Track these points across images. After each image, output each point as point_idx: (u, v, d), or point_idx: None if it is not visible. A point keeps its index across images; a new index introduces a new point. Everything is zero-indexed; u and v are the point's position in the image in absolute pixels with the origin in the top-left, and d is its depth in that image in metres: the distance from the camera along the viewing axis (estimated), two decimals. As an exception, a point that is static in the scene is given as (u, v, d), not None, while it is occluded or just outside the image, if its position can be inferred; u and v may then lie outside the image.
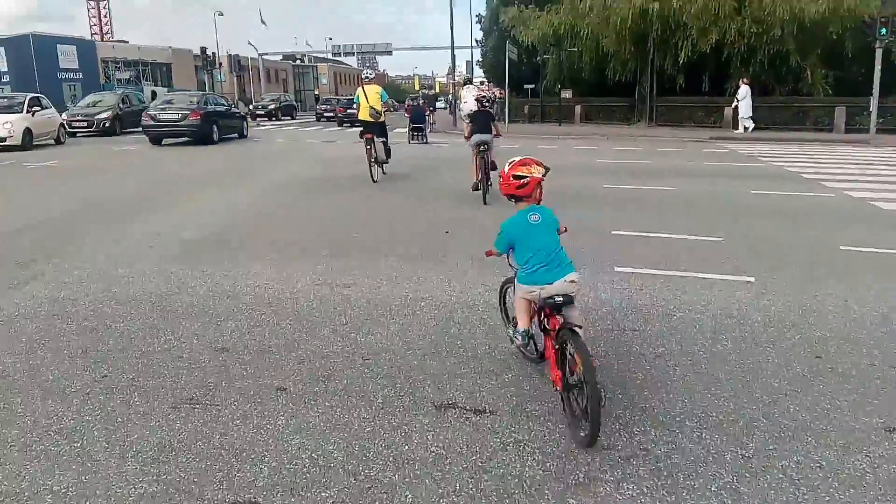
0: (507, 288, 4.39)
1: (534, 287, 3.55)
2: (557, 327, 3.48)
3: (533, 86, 39.39)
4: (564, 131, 27.37)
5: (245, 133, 26.02)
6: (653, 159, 17.21)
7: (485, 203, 10.26)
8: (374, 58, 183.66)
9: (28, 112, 20.10)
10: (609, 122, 30.33)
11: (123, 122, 26.49)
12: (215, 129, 22.74)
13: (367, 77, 13.60)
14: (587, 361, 3.10)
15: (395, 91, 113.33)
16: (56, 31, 54.36)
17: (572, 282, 3.51)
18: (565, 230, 3.90)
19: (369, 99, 12.56)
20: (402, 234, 8.23)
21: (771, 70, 27.17)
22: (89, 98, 28.46)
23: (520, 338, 3.80)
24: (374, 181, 12.64)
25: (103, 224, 8.87)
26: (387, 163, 13.30)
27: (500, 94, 60.51)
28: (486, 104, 10.93)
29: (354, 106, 13.90)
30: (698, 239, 7.92)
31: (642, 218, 9.31)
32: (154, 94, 57.76)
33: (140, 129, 22.81)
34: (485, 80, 51.33)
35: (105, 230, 8.46)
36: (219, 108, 24.29)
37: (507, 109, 30.32)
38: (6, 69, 48.53)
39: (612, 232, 8.37)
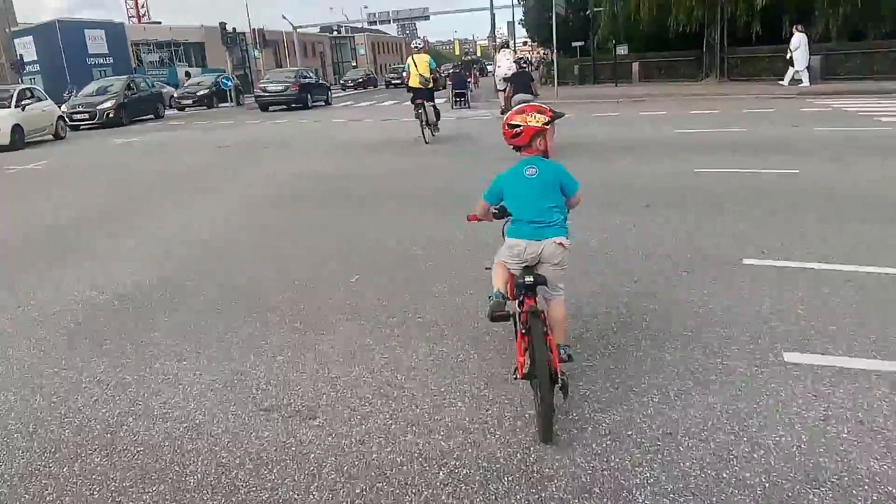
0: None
1: (518, 241, 3.21)
2: (526, 309, 3.11)
3: (582, 43, 35.79)
4: (623, 93, 23.95)
5: (329, 101, 30.82)
6: (743, 125, 13.85)
7: None
8: (414, 24, 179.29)
9: (17, 106, 17.88)
10: (672, 80, 26.64)
11: (129, 111, 24.32)
12: (308, 97, 28.36)
13: (416, 47, 14.51)
14: (541, 353, 2.90)
15: (434, 58, 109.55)
16: (101, 17, 52.79)
17: (559, 243, 3.16)
18: (578, 202, 3.37)
19: (419, 67, 13.48)
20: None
21: (866, 9, 23.06)
22: (91, 86, 26.19)
23: (492, 297, 3.20)
24: (426, 142, 13.73)
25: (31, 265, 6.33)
26: (436, 124, 14.12)
27: (544, 54, 57.05)
28: (524, 65, 11.18)
29: (404, 74, 14.64)
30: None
31: (782, 228, 6.21)
32: (188, 75, 56.15)
33: (151, 116, 24.93)
34: (527, 40, 48.14)
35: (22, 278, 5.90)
36: (310, 81, 29.73)
37: (555, 71, 27.02)
38: (36, 58, 47.20)
39: (744, 261, 5.42)
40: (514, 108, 3.32)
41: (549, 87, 30.67)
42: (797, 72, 22.13)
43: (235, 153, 14.70)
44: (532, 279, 3.10)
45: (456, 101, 23.51)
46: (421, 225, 7.27)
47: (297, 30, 71.42)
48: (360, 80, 56.19)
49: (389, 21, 68.45)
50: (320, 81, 31.97)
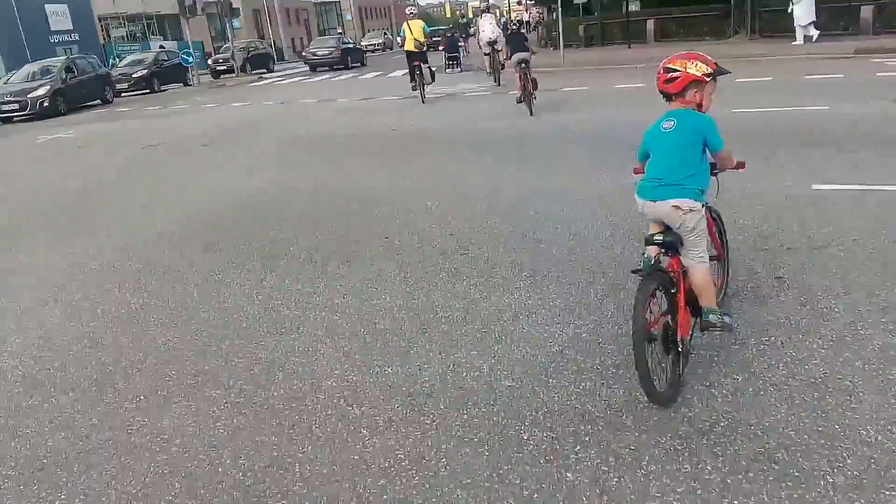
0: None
1: (638, 200, 3.09)
2: (676, 268, 2.98)
3: (585, 1, 32.06)
4: (638, 56, 20.41)
5: (365, 63, 34.36)
6: (820, 99, 10.42)
7: (531, 114, 11.42)
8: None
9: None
10: (695, 39, 23.01)
11: (69, 98, 20.79)
12: (349, 59, 32.10)
13: (411, 13, 15.43)
14: (638, 313, 2.69)
15: (426, 21, 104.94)
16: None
17: (676, 207, 2.89)
18: (740, 166, 3.25)
19: (413, 32, 14.51)
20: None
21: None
22: (24, 70, 22.47)
23: (644, 254, 3.09)
24: (423, 101, 14.94)
25: None
26: (433, 83, 15.35)
27: (539, 14, 52.93)
28: (515, 26, 13.43)
29: (399, 39, 15.54)
30: None
31: None
32: (162, 48, 52.23)
33: (98, 102, 22.56)
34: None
35: None
36: (349, 46, 33.86)
37: (559, 31, 23.61)
38: (-7, 40, 43.37)
39: None
40: (678, 54, 3.07)
41: (551, 50, 27.11)
42: (801, 26, 18.86)
43: (165, 154, 11.42)
44: (661, 238, 2.94)
45: (448, 65, 23.51)
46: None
47: (278, -3, 67.13)
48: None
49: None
50: (357, 47, 36.48)
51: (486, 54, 16.96)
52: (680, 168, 2.92)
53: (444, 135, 11.11)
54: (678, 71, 2.95)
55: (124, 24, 54.32)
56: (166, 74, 27.07)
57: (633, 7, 25.97)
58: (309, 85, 24.65)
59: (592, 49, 26.12)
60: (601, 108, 11.91)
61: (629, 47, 23.16)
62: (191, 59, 26.20)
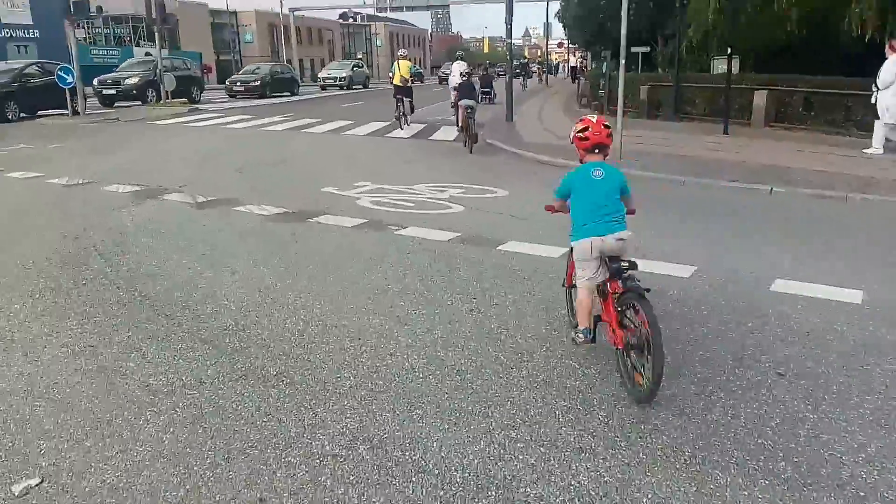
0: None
1: (583, 242, 3.51)
2: (620, 291, 3.45)
3: (647, 49, 23.00)
4: (741, 157, 11.33)
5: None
6: None
7: (471, 152, 12.61)
8: (447, 13, 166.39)
9: None
10: (831, 130, 13.76)
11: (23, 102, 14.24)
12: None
13: (401, 55, 16.87)
14: (655, 325, 3.14)
15: (466, 54, 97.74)
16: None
17: (619, 238, 3.46)
18: (633, 212, 3.79)
19: (401, 70, 16.10)
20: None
21: None
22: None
23: (582, 334, 3.63)
24: (401, 128, 16.52)
25: None
26: (411, 114, 16.87)
27: (582, 60, 43.93)
28: (464, 77, 14.05)
29: (390, 75, 17.49)
30: None
31: None
32: (147, 55, 44.44)
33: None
34: (564, 41, 36.94)
35: None
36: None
37: (617, 88, 14.57)
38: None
39: None
40: (585, 118, 3.79)
41: (608, 116, 18.17)
42: (889, 125, 10.70)
43: None
44: (626, 263, 3.41)
45: (482, 98, 23.11)
46: None
47: (295, 12, 59.42)
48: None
49: (401, 8, 56.08)
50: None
51: (453, 106, 15.70)
52: (615, 212, 3.50)
53: None
54: (610, 127, 3.68)
55: (108, 25, 46.91)
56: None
57: (723, 67, 16.85)
58: (196, 133, 16.06)
59: (659, 122, 16.96)
60: None
61: (726, 132, 13.91)
62: (70, 79, 17.68)
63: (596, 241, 3.44)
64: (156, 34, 22.81)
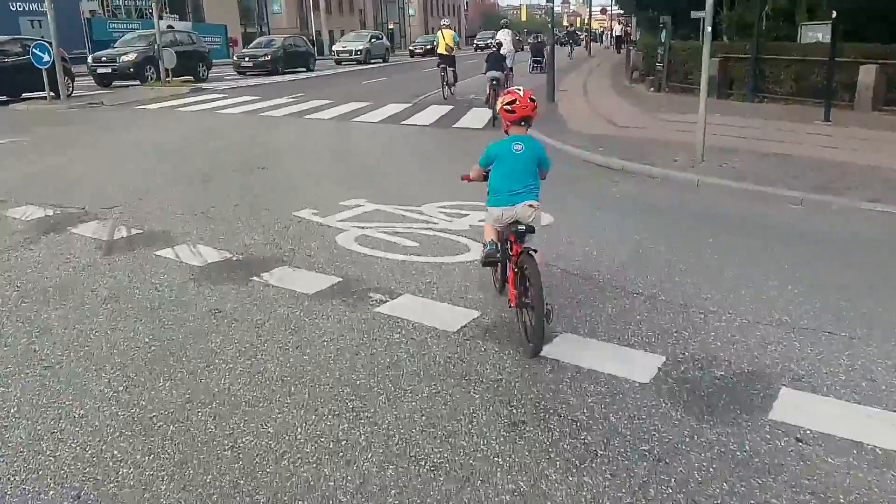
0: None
1: (496, 209, 3.76)
2: (518, 252, 3.69)
3: (701, 14, 19.71)
4: (892, 160, 8.49)
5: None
6: None
7: (493, 125, 11.64)
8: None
9: None
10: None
11: None
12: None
13: (445, 24, 17.94)
14: (537, 284, 3.39)
15: (508, 24, 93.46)
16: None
17: (530, 205, 3.67)
18: (544, 178, 3.93)
19: (445, 39, 16.53)
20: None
21: None
22: None
23: (486, 246, 3.87)
24: (444, 98, 16.58)
25: None
26: (455, 85, 17.17)
27: (625, 27, 40.42)
28: (494, 47, 13.81)
29: (434, 44, 19.52)
30: None
31: None
32: (169, 29, 42.55)
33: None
34: (606, 7, 34.37)
35: None
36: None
37: (663, 62, 11.93)
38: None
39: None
40: (510, 91, 3.90)
41: (649, 92, 15.40)
42: None
43: None
44: (524, 227, 3.66)
45: (533, 67, 25.78)
46: None
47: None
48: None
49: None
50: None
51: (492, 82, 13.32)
52: (528, 183, 3.73)
53: None
54: (516, 102, 3.76)
55: (129, -4, 44.78)
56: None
57: (815, 35, 13.76)
58: (191, 118, 13.70)
59: (732, 106, 13.99)
60: None
61: (827, 118, 10.94)
62: (46, 58, 15.43)
63: (508, 210, 3.69)
64: (153, 4, 20.37)
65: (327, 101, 16.70)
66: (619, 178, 8.10)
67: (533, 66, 26.23)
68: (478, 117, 13.31)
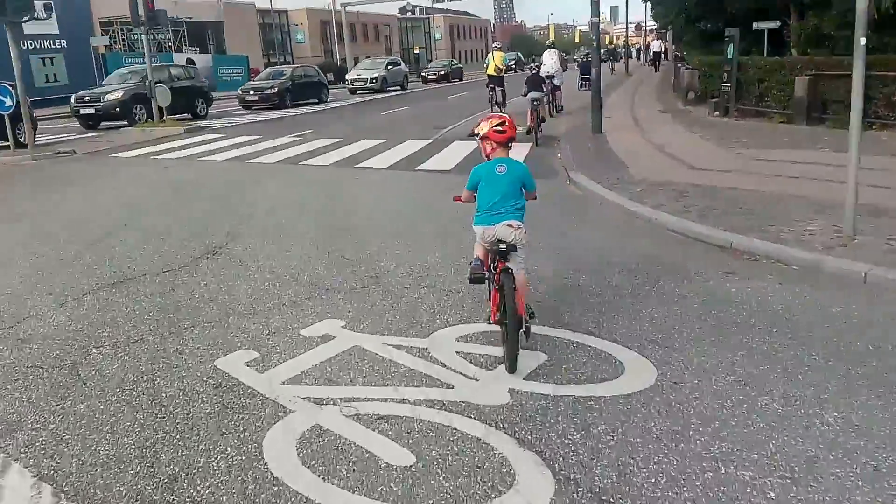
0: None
1: (479, 228, 3.84)
2: (499, 270, 3.74)
3: (776, 24, 16.91)
4: None
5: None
6: None
7: (536, 145, 11.96)
8: (510, 1, 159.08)
9: None
10: None
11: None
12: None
13: (496, 46, 18.84)
14: (511, 302, 3.50)
15: (528, 44, 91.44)
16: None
17: (508, 225, 3.71)
18: (535, 198, 4.04)
19: (496, 61, 17.19)
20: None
21: None
22: None
23: (472, 262, 3.88)
24: None
25: None
26: (504, 105, 16.81)
27: (662, 40, 37.82)
28: (535, 70, 14.03)
29: (485, 66, 18.18)
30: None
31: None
32: (190, 62, 41.12)
33: None
34: (642, 23, 32.52)
35: None
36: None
37: (730, 81, 9.47)
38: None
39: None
40: (497, 115, 4.09)
41: (710, 116, 12.58)
42: None
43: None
44: (505, 246, 3.69)
45: (582, 84, 25.08)
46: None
47: (347, 7, 54.79)
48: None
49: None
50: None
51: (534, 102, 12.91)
52: (512, 204, 3.79)
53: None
54: (506, 124, 3.93)
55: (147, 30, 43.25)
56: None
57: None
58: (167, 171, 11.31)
59: (838, 138, 11.05)
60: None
61: None
62: (9, 102, 13.22)
63: (489, 229, 3.76)
64: (143, 38, 18.26)
65: (335, 140, 14.25)
66: (733, 266, 5.33)
67: (581, 84, 26.17)
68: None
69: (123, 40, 41.02)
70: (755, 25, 16.75)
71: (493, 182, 3.80)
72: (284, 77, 24.24)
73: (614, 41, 59.91)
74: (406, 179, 9.96)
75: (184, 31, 45.00)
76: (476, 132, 4.04)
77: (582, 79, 26.41)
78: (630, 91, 25.00)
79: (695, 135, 12.15)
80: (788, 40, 17.60)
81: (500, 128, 3.88)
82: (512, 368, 3.56)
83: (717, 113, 14.49)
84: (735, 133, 11.92)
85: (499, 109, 16.06)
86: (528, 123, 12.43)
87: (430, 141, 13.63)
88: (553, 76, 16.36)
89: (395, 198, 8.84)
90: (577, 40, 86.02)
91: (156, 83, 17.66)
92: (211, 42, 51.06)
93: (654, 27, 53.53)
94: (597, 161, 10.05)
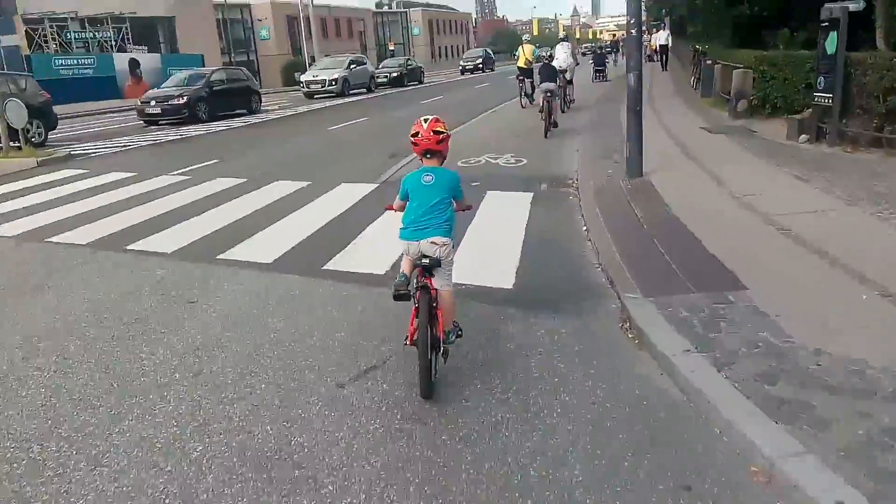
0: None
1: (403, 242, 3.59)
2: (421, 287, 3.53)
3: (860, 6, 12.04)
4: None
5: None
6: None
7: (545, 137, 12.27)
8: (493, 2, 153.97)
9: None
10: None
11: None
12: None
13: (526, 39, 20.68)
14: (423, 322, 3.32)
15: (511, 39, 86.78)
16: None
17: (433, 243, 3.49)
18: (468, 208, 3.90)
19: (526, 53, 17.61)
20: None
21: None
22: None
23: (398, 277, 3.57)
24: (521, 107, 17.45)
25: None
26: (532, 95, 17.53)
27: (669, 36, 33.41)
28: (547, 59, 13.98)
29: (515, 57, 18.99)
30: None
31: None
32: (135, 66, 36.03)
33: None
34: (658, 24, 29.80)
35: None
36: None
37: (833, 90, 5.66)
38: None
39: None
40: (432, 117, 3.61)
41: (827, 157, 7.40)
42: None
43: None
44: (427, 261, 3.46)
45: (595, 77, 26.27)
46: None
47: (315, 0, 49.51)
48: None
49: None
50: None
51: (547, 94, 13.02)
52: (436, 216, 3.49)
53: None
54: (444, 133, 3.55)
55: (85, 28, 37.73)
56: None
57: None
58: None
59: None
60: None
61: None
62: None
63: (413, 244, 3.53)
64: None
65: (235, 183, 9.38)
66: None
67: (595, 76, 26.80)
68: (520, 210, 5.88)
69: (54, 39, 35.59)
70: (826, 8, 11.97)
71: (419, 193, 3.56)
72: (200, 83, 18.85)
73: (600, 34, 55.63)
74: (284, 312, 5.02)
75: (127, 28, 39.58)
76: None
77: (596, 71, 27.31)
78: (645, 96, 20.18)
79: (800, 181, 7.34)
80: (873, 30, 12.83)
81: (413, 138, 3.58)
82: (425, 392, 3.41)
83: (806, 138, 9.70)
84: (854, 174, 7.14)
85: (528, 100, 17.37)
86: (541, 115, 12.78)
87: (373, 187, 8.79)
88: (565, 70, 15.82)
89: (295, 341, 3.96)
90: (560, 34, 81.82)
91: (8, 97, 12.58)
92: (162, 40, 45.69)
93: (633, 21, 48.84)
94: (657, 253, 5.23)
